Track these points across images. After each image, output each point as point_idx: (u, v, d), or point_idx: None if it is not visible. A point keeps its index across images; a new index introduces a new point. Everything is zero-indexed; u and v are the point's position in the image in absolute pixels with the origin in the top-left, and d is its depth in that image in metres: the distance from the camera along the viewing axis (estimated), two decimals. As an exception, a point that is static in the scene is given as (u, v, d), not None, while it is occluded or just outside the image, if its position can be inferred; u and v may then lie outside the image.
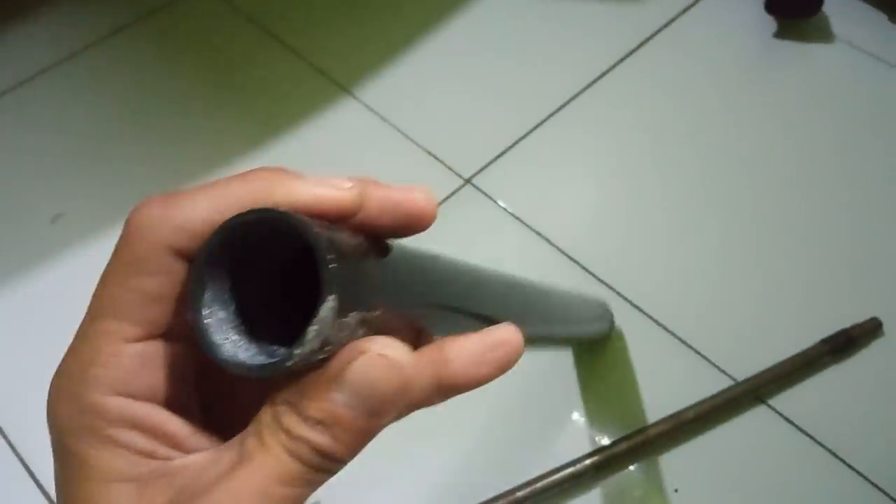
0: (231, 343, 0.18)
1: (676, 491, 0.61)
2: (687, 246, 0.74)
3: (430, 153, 0.81)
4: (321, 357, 0.18)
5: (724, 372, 0.66)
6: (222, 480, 0.18)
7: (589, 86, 0.86)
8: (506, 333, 0.22)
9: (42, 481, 0.61)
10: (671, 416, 0.62)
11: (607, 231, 0.76)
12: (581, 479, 0.60)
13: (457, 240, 0.76)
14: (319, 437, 0.18)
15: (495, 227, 0.76)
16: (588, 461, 0.60)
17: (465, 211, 0.77)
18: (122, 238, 0.19)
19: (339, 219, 0.20)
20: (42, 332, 0.70)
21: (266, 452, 0.18)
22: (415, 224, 0.22)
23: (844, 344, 0.66)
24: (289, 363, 0.17)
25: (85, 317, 0.20)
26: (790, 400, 0.64)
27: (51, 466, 0.20)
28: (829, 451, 0.62)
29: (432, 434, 0.64)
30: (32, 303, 0.72)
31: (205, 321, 0.18)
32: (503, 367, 0.21)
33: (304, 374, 0.18)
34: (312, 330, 0.17)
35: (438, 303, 0.24)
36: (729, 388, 0.64)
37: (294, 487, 0.18)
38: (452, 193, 0.78)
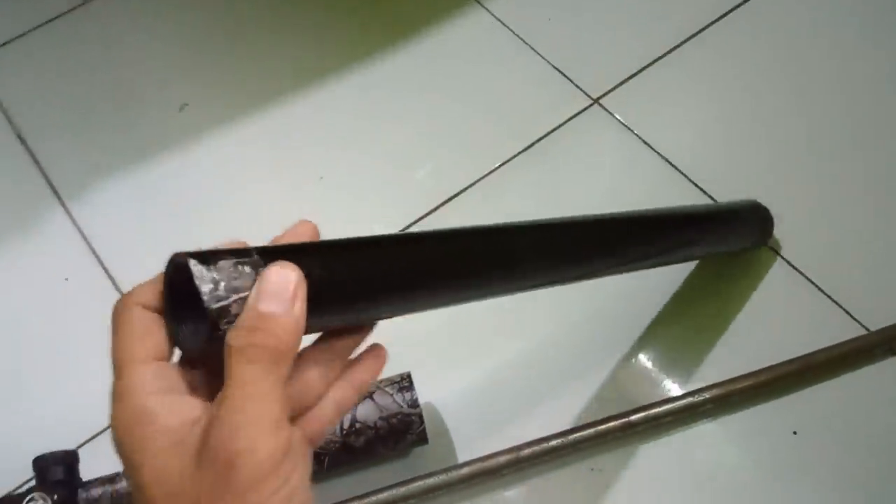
0: (193, 340, 0.29)
1: (795, 433, 0.59)
2: (822, 183, 0.70)
3: (559, 70, 0.78)
4: (231, 295, 0.26)
5: (856, 320, 0.63)
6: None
7: (725, 14, 0.81)
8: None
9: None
10: (799, 358, 0.60)
11: (736, 161, 0.72)
12: (690, 414, 0.59)
13: (581, 159, 0.74)
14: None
15: (621, 147, 0.74)
16: (689, 399, 0.59)
17: (590, 131, 0.75)
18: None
19: None
20: (168, 211, 0.73)
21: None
22: None
23: None
24: (211, 307, 0.26)
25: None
26: (926, 355, 0.61)
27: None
28: (965, 411, 0.59)
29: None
30: (161, 183, 0.74)
31: (180, 337, 0.29)
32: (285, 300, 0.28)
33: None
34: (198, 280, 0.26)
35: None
36: (861, 337, 0.61)
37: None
38: (579, 112, 0.76)
